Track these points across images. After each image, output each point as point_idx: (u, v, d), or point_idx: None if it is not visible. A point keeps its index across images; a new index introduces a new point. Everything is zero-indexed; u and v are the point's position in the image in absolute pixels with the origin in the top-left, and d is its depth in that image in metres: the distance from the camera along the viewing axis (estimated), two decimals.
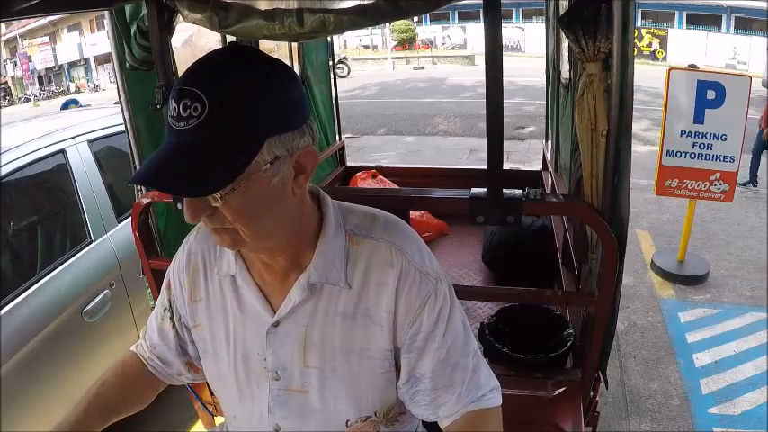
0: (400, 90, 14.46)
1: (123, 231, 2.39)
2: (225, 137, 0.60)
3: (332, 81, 3.25)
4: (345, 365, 0.77)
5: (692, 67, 4.47)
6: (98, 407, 0.86)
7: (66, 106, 7.54)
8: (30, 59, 25.38)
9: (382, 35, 23.20)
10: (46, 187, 2.24)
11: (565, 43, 2.23)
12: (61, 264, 2.10)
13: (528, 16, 21.89)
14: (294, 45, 2.77)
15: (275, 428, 0.82)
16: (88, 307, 2.12)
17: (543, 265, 2.21)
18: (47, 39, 27.12)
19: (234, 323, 0.81)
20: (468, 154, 7.63)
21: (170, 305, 0.89)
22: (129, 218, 1.67)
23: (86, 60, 27.24)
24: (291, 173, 0.67)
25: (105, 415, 0.86)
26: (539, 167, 3.23)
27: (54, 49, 27.14)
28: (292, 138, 0.65)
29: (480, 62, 16.05)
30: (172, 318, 0.89)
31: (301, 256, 0.76)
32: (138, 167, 1.72)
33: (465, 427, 0.77)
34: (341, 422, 0.80)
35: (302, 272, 0.75)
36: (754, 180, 5.74)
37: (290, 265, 0.76)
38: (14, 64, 25.88)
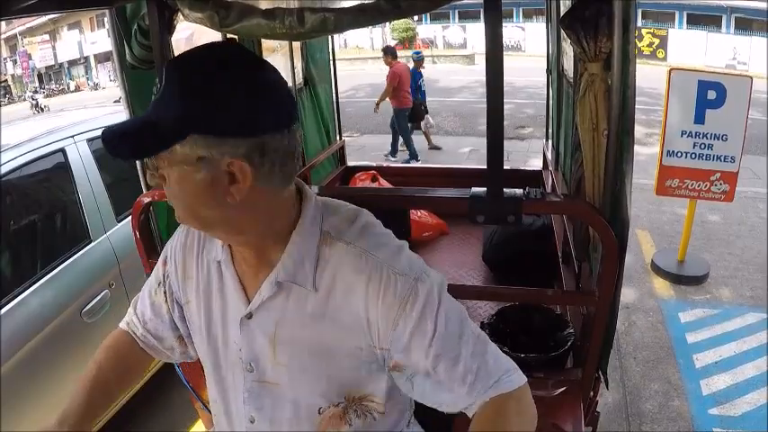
0: None
1: (123, 231, 2.39)
2: (162, 117, 0.65)
3: (333, 80, 3.25)
4: (314, 365, 0.77)
5: None
6: (99, 391, 0.87)
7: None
8: (30, 57, 25.36)
9: (382, 34, 23.18)
10: (45, 186, 2.23)
11: (566, 43, 2.22)
12: (61, 263, 2.10)
13: (528, 16, 21.85)
14: (296, 44, 2.77)
15: (250, 419, 0.84)
16: (88, 307, 2.12)
17: (543, 265, 2.21)
18: (47, 37, 27.08)
19: (215, 308, 0.84)
20: (468, 153, 7.63)
21: (164, 279, 0.92)
22: (129, 217, 1.66)
23: (86, 59, 27.19)
24: (224, 179, 0.67)
25: (106, 398, 0.88)
26: (539, 167, 3.23)
27: (54, 48, 27.11)
28: (220, 144, 0.65)
29: (480, 61, 16.01)
30: (165, 292, 0.92)
31: (271, 253, 0.77)
32: (140, 167, 1.72)
33: (484, 418, 0.73)
34: (313, 411, 0.81)
35: (273, 268, 0.76)
36: (393, 151, 7.26)
37: (259, 261, 0.78)
38: (14, 62, 25.85)
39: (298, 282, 0.75)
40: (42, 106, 17.33)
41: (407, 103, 6.89)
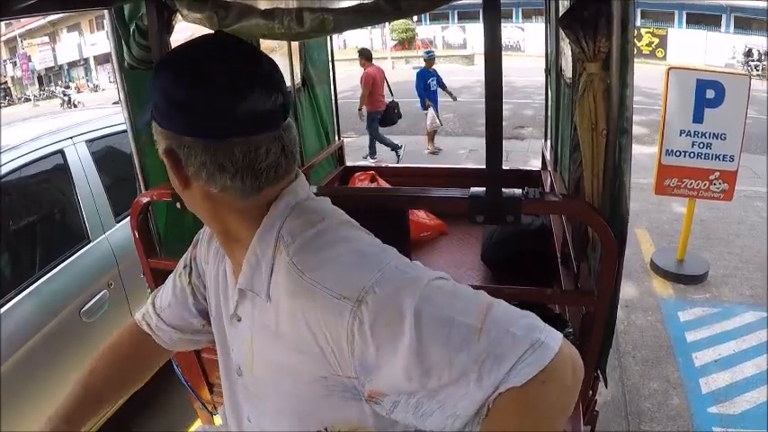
0: (399, 89, 14.40)
1: (121, 231, 2.39)
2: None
3: (332, 81, 3.26)
4: (284, 387, 0.69)
5: None
6: (91, 391, 0.87)
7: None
8: (29, 59, 25.37)
9: (382, 35, 23.19)
10: (44, 187, 2.24)
11: (565, 42, 2.22)
12: (59, 264, 2.10)
13: (528, 16, 21.89)
14: (295, 44, 2.77)
15: (248, 418, 0.81)
16: (86, 307, 2.12)
17: (542, 265, 2.20)
18: (46, 39, 27.10)
19: (222, 300, 0.83)
20: (468, 154, 7.63)
21: (191, 262, 0.92)
22: (127, 218, 1.66)
23: (86, 60, 27.24)
24: (174, 171, 0.68)
25: (99, 399, 0.88)
26: (538, 167, 3.23)
27: (54, 49, 27.13)
28: (159, 132, 0.68)
29: (479, 62, 16.01)
30: (190, 274, 0.92)
31: (240, 256, 0.72)
32: (138, 167, 1.73)
33: (492, 420, 0.58)
34: None
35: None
36: (372, 153, 7.42)
37: (233, 261, 0.76)
38: (14, 64, 25.86)
39: (255, 290, 0.69)
40: (75, 102, 17.41)
41: (380, 107, 6.97)
